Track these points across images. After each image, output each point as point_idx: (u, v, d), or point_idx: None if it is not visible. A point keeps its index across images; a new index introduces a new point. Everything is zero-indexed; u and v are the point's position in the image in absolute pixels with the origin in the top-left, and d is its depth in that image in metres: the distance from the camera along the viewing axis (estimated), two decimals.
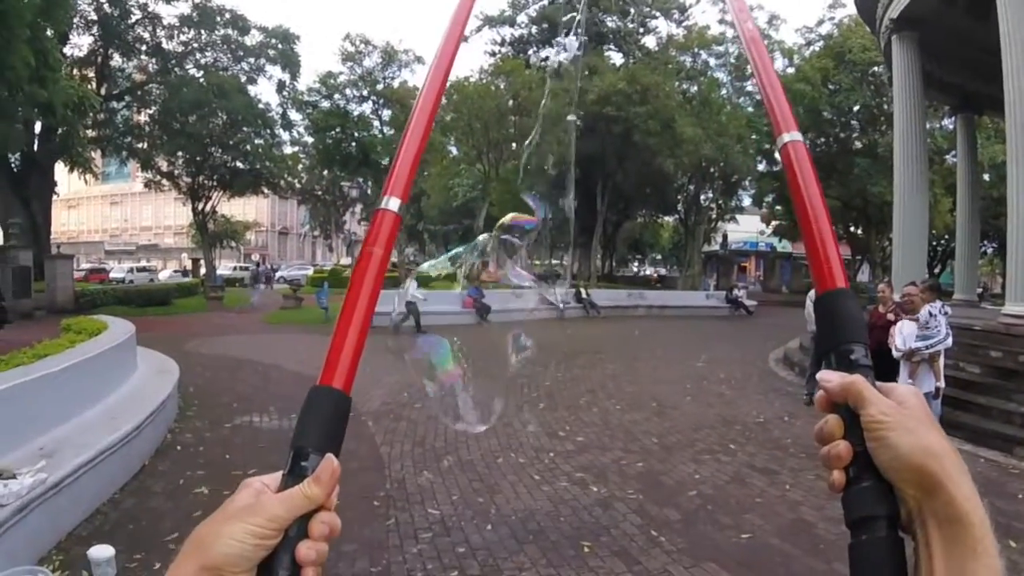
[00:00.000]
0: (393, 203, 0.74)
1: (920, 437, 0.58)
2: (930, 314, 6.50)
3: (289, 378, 11.11)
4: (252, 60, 31.33)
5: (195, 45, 29.70)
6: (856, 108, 33.04)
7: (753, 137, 32.86)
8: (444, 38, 0.86)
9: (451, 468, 6.46)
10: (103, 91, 26.34)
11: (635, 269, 60.49)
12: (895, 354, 6.78)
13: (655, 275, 52.92)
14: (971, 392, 9.19)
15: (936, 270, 38.64)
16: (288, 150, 37.15)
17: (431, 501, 5.58)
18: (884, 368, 7.50)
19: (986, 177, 28.34)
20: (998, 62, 10.53)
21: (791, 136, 0.76)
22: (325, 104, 36.67)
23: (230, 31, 29.83)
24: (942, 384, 6.53)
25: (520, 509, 5.46)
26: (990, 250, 37.17)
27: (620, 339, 18.23)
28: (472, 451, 7.00)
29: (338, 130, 35.87)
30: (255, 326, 20.09)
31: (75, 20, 23.46)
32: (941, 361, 6.57)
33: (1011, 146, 10.55)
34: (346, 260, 55.88)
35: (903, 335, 6.66)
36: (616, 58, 37.75)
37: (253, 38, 30.78)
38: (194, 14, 28.06)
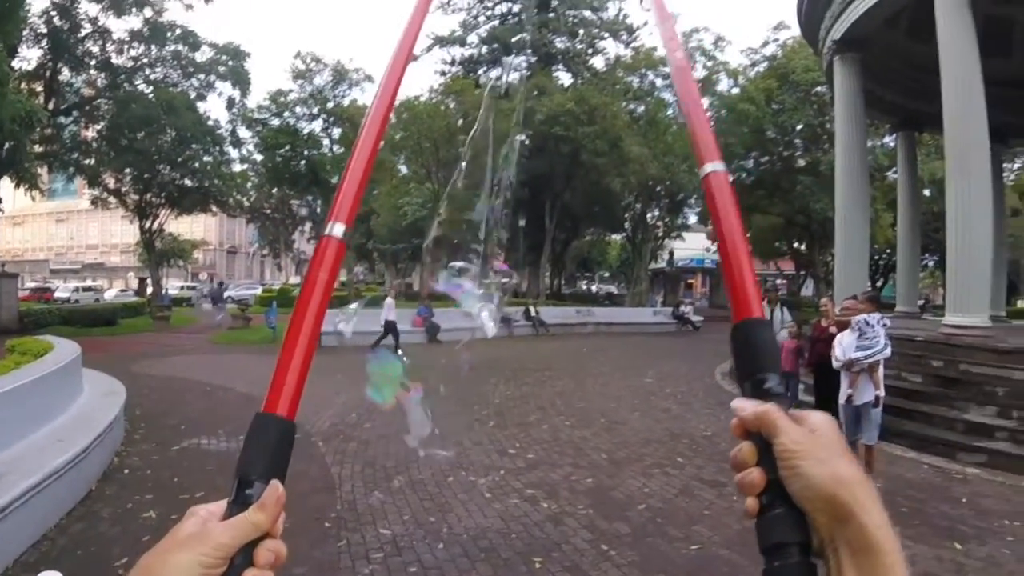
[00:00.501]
0: (338, 229, 0.73)
1: (831, 466, 0.59)
2: (867, 323, 6.71)
3: (237, 400, 10.98)
4: (202, 76, 30.92)
5: (145, 60, 29.17)
6: (799, 127, 33.78)
7: None
8: (391, 62, 0.86)
9: (402, 488, 6.45)
10: (51, 106, 25.69)
11: (584, 286, 60.89)
12: (835, 364, 7.01)
13: (604, 293, 53.36)
14: (914, 400, 9.51)
15: (879, 283, 39.73)
16: (237, 168, 36.80)
17: (382, 521, 5.57)
18: (828, 379, 7.76)
19: (927, 192, 29.22)
20: (937, 82, 10.92)
21: (713, 167, 0.76)
22: (275, 122, 36.50)
23: (180, 47, 29.38)
24: (882, 393, 6.71)
25: (471, 527, 5.49)
26: (931, 263, 38.30)
27: (569, 356, 18.38)
28: (423, 470, 6.99)
29: (288, 148, 35.75)
30: (203, 346, 19.78)
31: (24, 33, 22.89)
32: (880, 371, 6.75)
33: (949, 162, 10.95)
34: (295, 279, 55.20)
35: (843, 346, 6.88)
36: (565, 78, 38.31)
37: (204, 54, 30.42)
38: (145, 29, 27.59)
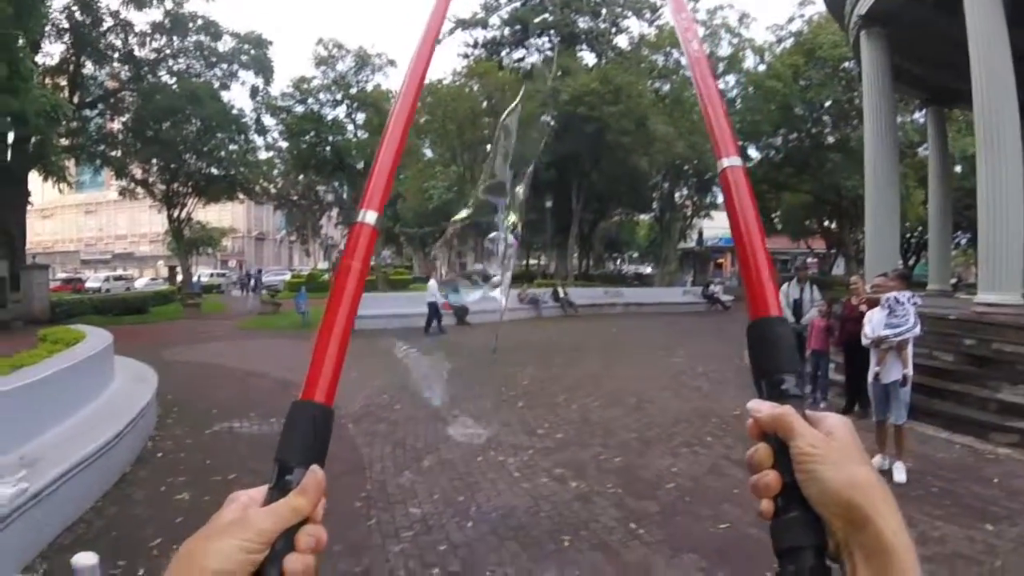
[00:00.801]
0: (370, 216, 0.74)
1: (848, 471, 0.58)
2: (897, 300, 6.59)
3: (268, 384, 11.11)
4: (225, 66, 31.09)
5: (167, 52, 29.38)
6: (828, 104, 33.25)
7: None
8: (417, 49, 0.86)
9: (431, 468, 6.52)
10: (76, 99, 26.04)
11: (613, 267, 60.65)
12: (864, 342, 6.90)
13: (633, 273, 53.08)
14: (946, 380, 9.34)
15: (911, 262, 39.12)
16: (263, 155, 37.02)
17: (412, 501, 5.63)
18: (858, 358, 7.66)
19: (958, 169, 28.61)
20: (966, 56, 10.71)
21: (730, 161, 0.76)
22: (299, 109, 36.49)
23: (202, 37, 29.56)
24: (910, 372, 6.60)
25: (500, 506, 5.52)
26: (964, 241, 37.62)
27: (598, 337, 18.35)
28: (452, 451, 7.05)
29: (312, 134, 35.73)
30: (232, 332, 20.00)
31: (47, 28, 23.17)
32: (910, 349, 6.63)
33: (980, 139, 10.73)
34: (323, 265, 55.53)
35: (872, 324, 6.77)
36: (589, 58, 37.92)
37: (226, 44, 30.56)
38: (166, 21, 27.79)
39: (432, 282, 19.50)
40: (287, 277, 45.10)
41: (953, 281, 22.07)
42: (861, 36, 14.28)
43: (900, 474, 6.28)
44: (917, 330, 6.58)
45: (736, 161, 0.76)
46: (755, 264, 0.71)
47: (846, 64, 29.68)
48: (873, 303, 7.26)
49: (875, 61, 14.11)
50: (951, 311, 11.34)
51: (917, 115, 30.03)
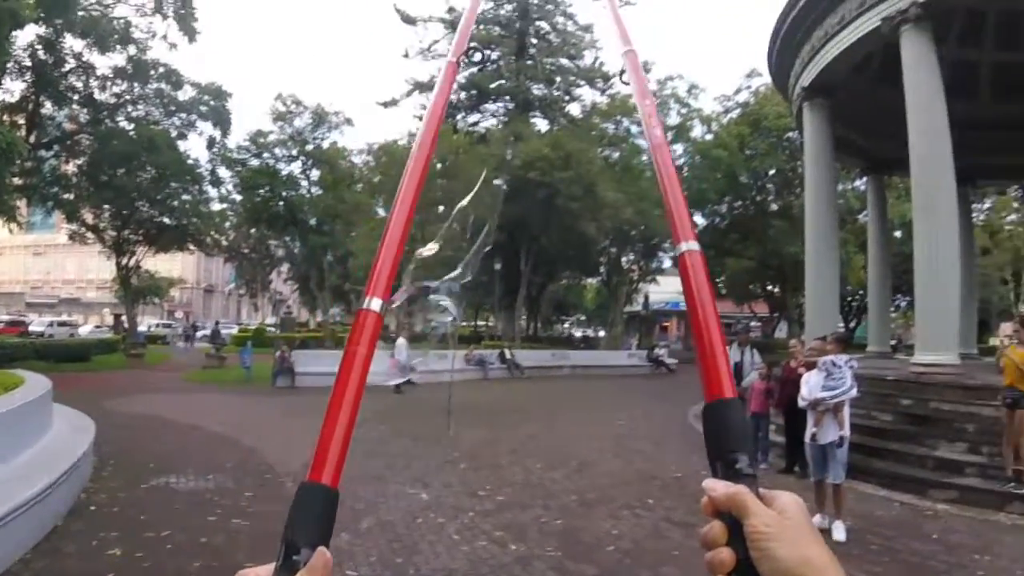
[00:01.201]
0: (375, 303, 0.76)
1: (802, 549, 0.59)
2: (834, 364, 6.82)
3: (208, 438, 10.93)
4: (184, 115, 30.86)
5: (128, 97, 29.13)
6: (772, 172, 34.53)
7: None
8: (420, 135, 0.89)
9: (370, 529, 6.40)
10: (32, 139, 25.56)
11: (561, 329, 60.97)
12: (801, 403, 7.11)
13: (579, 336, 53.49)
14: (885, 439, 9.63)
15: (852, 324, 40.32)
16: (216, 207, 36.63)
17: (348, 563, 5.50)
18: (797, 419, 7.86)
19: (897, 234, 29.75)
20: (905, 126, 11.24)
21: (688, 246, 0.78)
22: (254, 162, 36.56)
23: (163, 85, 29.38)
24: (847, 433, 6.77)
25: (439, 569, 5.45)
26: (904, 303, 38.85)
27: (543, 398, 18.39)
28: (392, 512, 6.97)
29: (267, 188, 35.82)
30: (176, 385, 19.60)
31: (8, 65, 22.91)
32: (846, 411, 6.81)
33: (916, 205, 11.26)
34: (271, 319, 54.73)
35: (809, 385, 6.98)
36: (542, 125, 38.72)
37: (186, 93, 30.36)
38: (129, 66, 27.66)
39: (400, 340, 19.50)
40: (233, 331, 44.25)
41: (893, 342, 22.69)
42: (804, 107, 14.85)
43: (840, 533, 6.37)
44: (854, 392, 6.78)
45: (694, 246, 0.78)
46: (710, 347, 0.72)
47: (790, 134, 30.87)
48: (811, 366, 7.49)
49: (817, 131, 14.67)
50: (890, 372, 11.69)
51: (858, 183, 31.31)
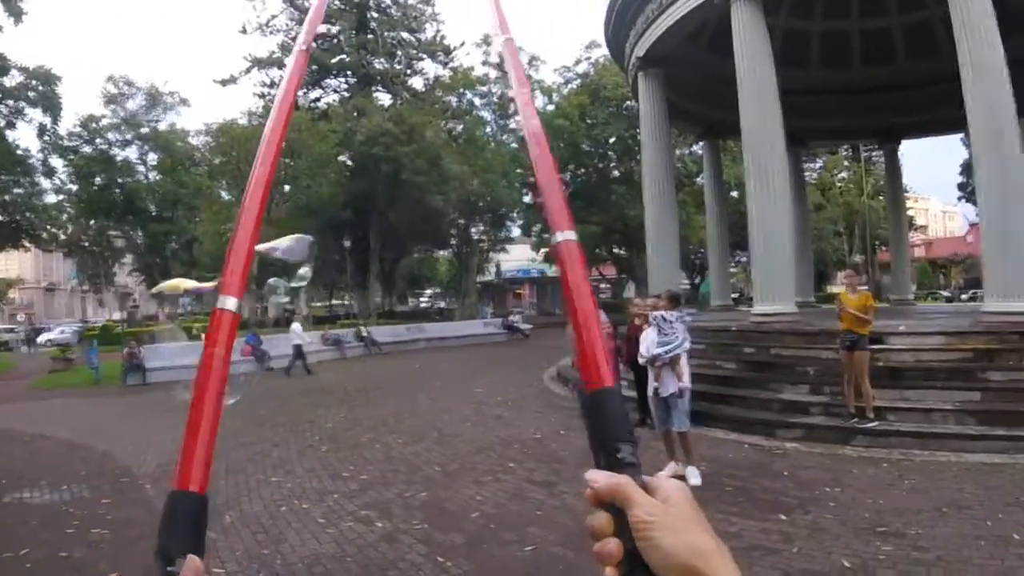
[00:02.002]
0: (230, 303, 0.74)
1: (687, 537, 0.59)
2: (664, 319, 7.08)
3: (59, 448, 10.15)
4: (11, 103, 28.24)
5: None
6: (612, 140, 35.81)
7: (518, 171, 34.66)
8: (270, 124, 0.87)
9: (233, 523, 6.12)
10: None
11: (417, 303, 60.89)
12: (640, 360, 7.41)
13: (435, 308, 53.86)
14: (731, 386, 10.21)
15: (696, 280, 42.79)
16: (51, 199, 34.14)
17: (214, 560, 5.20)
18: (643, 375, 8.15)
19: (734, 194, 31.80)
20: (736, 93, 11.88)
21: (564, 236, 0.78)
22: (87, 149, 33.92)
23: None
24: (686, 384, 7.01)
25: (306, 555, 5.29)
26: (744, 259, 41.71)
27: (402, 374, 18.33)
28: (255, 503, 6.70)
29: (102, 176, 33.59)
30: (23, 393, 18.03)
31: None
32: (683, 363, 7.06)
33: (748, 166, 11.94)
34: (118, 315, 51.17)
35: (646, 343, 7.26)
36: (384, 99, 38.23)
37: (13, 79, 27.66)
38: None
39: (295, 324, 20.14)
40: (76, 330, 41.11)
41: (734, 296, 24.25)
42: (639, 77, 15.42)
43: (694, 478, 6.64)
44: (687, 345, 7.08)
45: (571, 236, 0.78)
46: (588, 336, 0.71)
47: (628, 103, 32.06)
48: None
49: (652, 100, 15.30)
50: (732, 323, 12.46)
51: (695, 147, 32.94)
